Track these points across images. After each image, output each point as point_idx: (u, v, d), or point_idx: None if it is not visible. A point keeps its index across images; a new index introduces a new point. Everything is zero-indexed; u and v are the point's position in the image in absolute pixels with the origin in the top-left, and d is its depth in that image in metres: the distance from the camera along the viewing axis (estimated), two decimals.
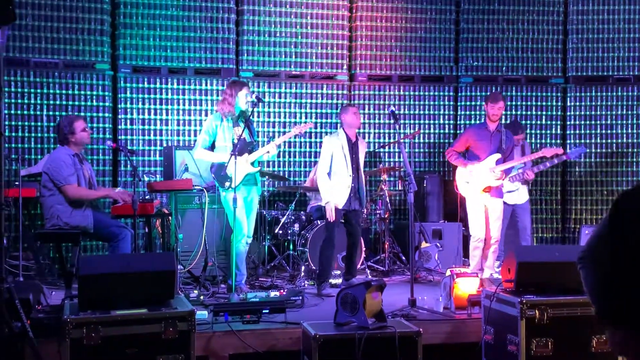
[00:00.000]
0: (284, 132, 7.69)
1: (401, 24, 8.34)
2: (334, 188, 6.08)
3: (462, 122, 8.48)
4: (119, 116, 7.60)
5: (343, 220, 6.21)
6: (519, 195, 7.20)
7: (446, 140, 8.48)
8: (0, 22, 3.94)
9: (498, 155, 6.31)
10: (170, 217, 6.01)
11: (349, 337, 4.01)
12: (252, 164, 5.83)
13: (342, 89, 8.26)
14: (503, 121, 6.93)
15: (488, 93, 8.43)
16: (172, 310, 3.97)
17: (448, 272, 5.35)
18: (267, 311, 4.66)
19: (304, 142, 8.08)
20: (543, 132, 8.42)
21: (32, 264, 6.68)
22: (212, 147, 5.85)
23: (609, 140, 8.43)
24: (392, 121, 7.88)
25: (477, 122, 8.42)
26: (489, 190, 6.31)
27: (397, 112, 5.95)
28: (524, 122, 8.34)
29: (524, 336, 4.22)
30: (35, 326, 4.09)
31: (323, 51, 8.15)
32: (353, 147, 6.20)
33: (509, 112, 8.32)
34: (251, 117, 5.99)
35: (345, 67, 8.26)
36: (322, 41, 8.15)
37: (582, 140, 8.33)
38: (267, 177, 7.44)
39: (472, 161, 6.38)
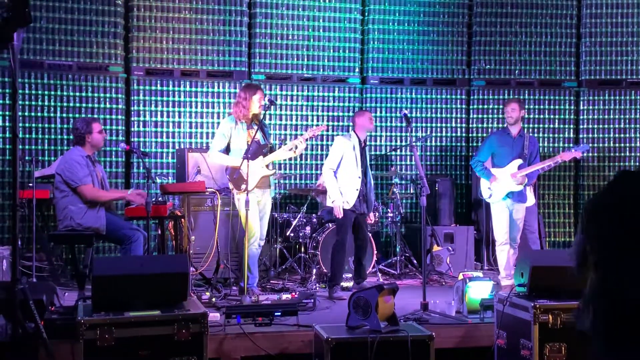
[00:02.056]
0: (296, 135, 7.71)
1: (413, 27, 8.34)
2: (343, 190, 6.08)
3: (474, 125, 8.45)
4: (132, 118, 7.64)
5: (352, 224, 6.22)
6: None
7: (458, 144, 8.46)
8: (16, 24, 3.96)
9: (520, 161, 6.42)
10: (183, 219, 6.02)
11: (361, 340, 3.99)
12: (267, 166, 5.84)
13: (354, 92, 8.26)
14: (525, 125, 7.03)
15: (500, 97, 8.44)
16: (184, 312, 3.97)
17: (460, 276, 5.34)
18: (280, 314, 4.66)
19: (315, 145, 8.08)
20: (556, 135, 8.38)
21: (46, 265, 6.72)
22: (226, 150, 5.87)
23: (622, 145, 8.39)
24: (404, 124, 7.86)
25: (489, 126, 8.42)
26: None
27: (409, 115, 5.95)
28: (536, 125, 8.32)
29: (537, 341, 4.19)
30: (48, 327, 4.10)
31: (335, 54, 8.16)
32: (362, 150, 6.22)
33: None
34: (264, 120, 6.00)
35: (357, 70, 8.26)
36: (334, 44, 8.15)
37: (595, 145, 8.30)
38: (278, 180, 7.43)
39: (495, 169, 6.52)
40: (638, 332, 1.93)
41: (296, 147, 5.86)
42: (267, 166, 5.85)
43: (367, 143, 6.47)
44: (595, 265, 2.03)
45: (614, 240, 1.99)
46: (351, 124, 6.60)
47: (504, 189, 6.44)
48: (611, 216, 2.02)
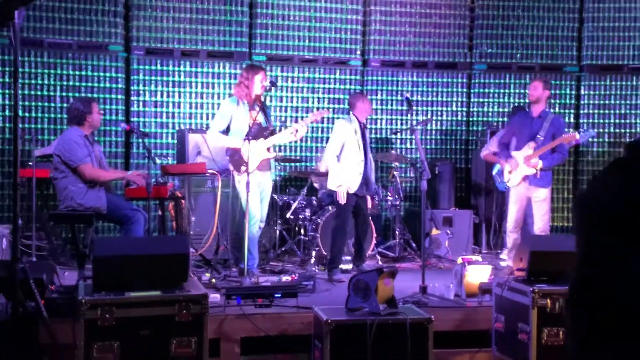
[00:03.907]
0: (296, 118, 7.69)
1: (415, 10, 8.28)
2: (345, 173, 6.08)
3: (475, 109, 8.44)
4: (132, 98, 7.61)
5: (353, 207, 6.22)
6: None
7: (459, 128, 8.44)
8: (18, 2, 3.93)
9: (533, 144, 6.15)
10: (183, 201, 6.02)
11: (360, 322, 4.02)
12: (268, 149, 5.82)
13: (355, 74, 8.23)
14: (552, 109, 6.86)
15: (502, 80, 8.41)
16: (185, 293, 3.99)
17: (459, 260, 5.35)
18: (279, 295, 4.68)
19: (315, 128, 8.06)
20: None
21: (45, 245, 6.73)
22: (226, 131, 5.85)
23: (623, 130, 8.38)
24: (405, 107, 7.86)
25: (490, 110, 8.41)
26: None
27: (410, 98, 5.92)
28: None
29: (536, 325, 4.22)
30: (49, 306, 4.12)
31: (336, 36, 8.11)
32: (363, 133, 6.21)
33: (521, 100, 8.28)
34: (265, 102, 5.98)
35: (358, 52, 8.22)
36: (335, 26, 8.11)
37: (596, 130, 8.26)
38: (279, 162, 7.42)
39: (515, 152, 6.27)
40: (622, 332, 1.87)
41: (297, 131, 5.84)
42: (268, 149, 5.83)
43: (368, 126, 6.45)
44: (582, 260, 1.99)
45: (600, 233, 1.94)
46: (349, 106, 6.55)
47: (519, 173, 6.21)
48: (598, 207, 1.96)
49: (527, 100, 8.23)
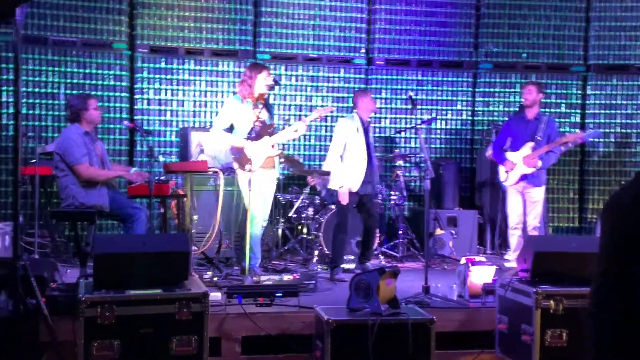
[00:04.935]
0: (300, 116, 7.66)
1: (421, 8, 8.24)
2: (348, 172, 6.05)
3: (480, 108, 8.39)
4: (136, 96, 7.60)
5: (355, 205, 6.19)
6: None
7: (463, 127, 8.40)
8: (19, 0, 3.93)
9: (532, 144, 6.48)
10: (185, 199, 6.01)
11: (361, 322, 3.99)
12: (273, 146, 5.80)
13: (360, 72, 8.20)
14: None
15: (507, 80, 8.38)
16: (186, 291, 3.97)
17: (463, 260, 5.32)
18: (281, 295, 4.65)
19: (319, 126, 8.03)
20: (562, 120, 8.30)
21: (48, 242, 6.73)
22: (230, 129, 5.84)
23: (629, 130, 8.32)
24: (409, 106, 7.83)
25: (495, 109, 8.37)
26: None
27: (414, 97, 5.90)
28: (542, 110, 8.21)
29: (539, 326, 4.19)
30: (50, 304, 4.12)
31: (341, 34, 8.08)
32: (366, 131, 6.18)
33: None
34: (269, 101, 5.97)
35: (363, 50, 8.19)
36: (340, 24, 8.07)
37: (602, 130, 8.21)
38: (283, 160, 7.38)
39: (510, 153, 6.59)
40: None
41: (296, 131, 5.87)
42: (273, 146, 5.81)
43: (371, 125, 6.42)
44: (606, 269, 1.95)
45: (624, 242, 1.90)
46: (352, 105, 6.53)
47: (517, 172, 6.51)
48: (625, 216, 1.91)
49: None
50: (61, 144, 5.45)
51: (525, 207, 6.60)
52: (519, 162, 6.50)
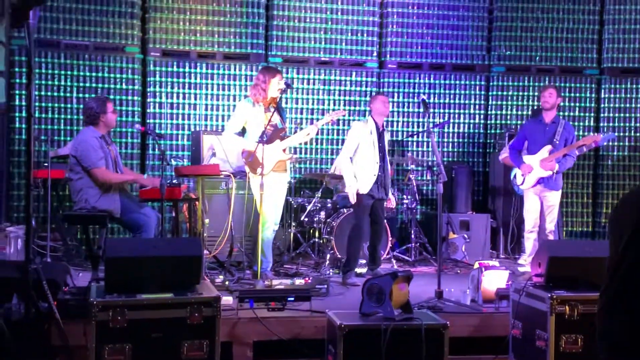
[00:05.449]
0: (312, 120, 7.65)
1: (433, 11, 8.21)
2: (360, 175, 6.03)
3: (493, 112, 8.34)
4: (148, 100, 7.61)
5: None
6: None
7: (476, 131, 8.36)
8: (32, 3, 3.94)
9: (550, 147, 6.47)
10: (197, 202, 6.00)
11: (374, 327, 3.96)
12: (284, 150, 5.79)
13: (372, 76, 8.17)
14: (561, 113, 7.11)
15: (520, 83, 8.33)
16: (197, 295, 3.95)
17: (476, 265, 5.27)
18: (293, 299, 4.63)
19: (331, 130, 8.01)
20: (576, 123, 8.23)
21: (60, 245, 6.74)
22: (242, 133, 5.83)
23: None
24: (422, 110, 7.78)
25: (508, 112, 8.32)
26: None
27: (427, 100, 5.88)
28: (556, 113, 8.18)
29: (554, 332, 4.13)
30: (61, 307, 4.11)
31: (353, 37, 8.06)
32: (380, 136, 6.15)
33: (538, 103, 8.17)
34: (281, 104, 5.96)
35: (375, 54, 8.16)
36: (352, 27, 8.06)
37: (616, 134, 8.14)
38: (294, 164, 7.37)
39: (527, 156, 6.58)
40: None
41: (308, 134, 5.89)
42: (284, 150, 5.80)
43: (385, 128, 6.39)
44: (614, 272, 1.92)
45: (633, 246, 1.86)
46: (368, 109, 6.53)
47: (534, 175, 6.48)
48: (632, 220, 1.88)
49: None
50: (78, 146, 5.44)
51: (542, 211, 6.57)
52: (536, 166, 6.47)
